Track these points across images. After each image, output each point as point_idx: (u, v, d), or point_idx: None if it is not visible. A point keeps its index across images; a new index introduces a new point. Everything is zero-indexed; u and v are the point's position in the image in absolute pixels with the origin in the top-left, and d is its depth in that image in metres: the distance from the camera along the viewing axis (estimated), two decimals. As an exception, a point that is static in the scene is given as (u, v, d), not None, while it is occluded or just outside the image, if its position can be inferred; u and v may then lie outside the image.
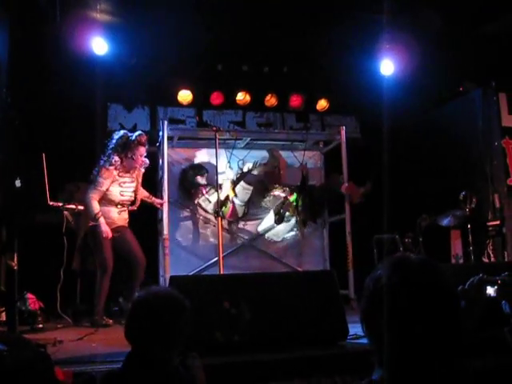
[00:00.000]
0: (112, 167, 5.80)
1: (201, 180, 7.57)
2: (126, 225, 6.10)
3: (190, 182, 7.57)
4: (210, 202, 7.65)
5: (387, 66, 8.20)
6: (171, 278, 4.33)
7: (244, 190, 7.80)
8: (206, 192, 7.66)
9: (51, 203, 5.82)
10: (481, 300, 2.06)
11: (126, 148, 5.85)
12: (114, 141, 5.91)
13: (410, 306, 1.41)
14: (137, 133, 6.00)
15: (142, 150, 5.94)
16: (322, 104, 8.77)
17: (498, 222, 7.52)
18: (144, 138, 5.94)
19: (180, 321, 2.30)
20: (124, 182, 5.96)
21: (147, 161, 6.09)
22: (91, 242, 5.92)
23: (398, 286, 1.44)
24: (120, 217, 6.00)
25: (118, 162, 5.83)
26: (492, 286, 2.07)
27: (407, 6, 7.12)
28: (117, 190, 5.91)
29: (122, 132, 6.05)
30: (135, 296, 2.39)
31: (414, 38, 7.64)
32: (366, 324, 1.52)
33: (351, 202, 7.40)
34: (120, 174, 5.90)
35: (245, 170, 7.87)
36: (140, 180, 6.17)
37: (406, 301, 1.42)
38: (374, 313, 1.47)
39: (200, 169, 7.65)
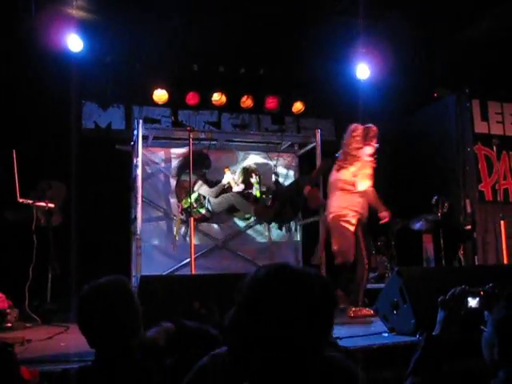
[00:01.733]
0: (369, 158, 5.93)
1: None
2: None
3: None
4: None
5: (363, 71, 8.27)
6: (141, 277, 4.32)
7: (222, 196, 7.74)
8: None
9: (21, 200, 5.73)
10: (461, 311, 2.04)
11: (365, 139, 5.96)
12: (352, 133, 5.96)
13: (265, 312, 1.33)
14: (370, 124, 6.08)
15: (375, 142, 6.03)
16: (298, 106, 8.79)
17: (469, 227, 7.62)
18: (377, 130, 6.04)
19: (128, 303, 2.22)
20: None
21: None
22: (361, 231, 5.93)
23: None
24: None
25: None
26: (474, 297, 2.04)
27: (382, 11, 7.18)
28: None
29: (354, 124, 6.09)
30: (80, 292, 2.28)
31: (390, 43, 7.72)
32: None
33: (309, 205, 7.42)
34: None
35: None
36: None
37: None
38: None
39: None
